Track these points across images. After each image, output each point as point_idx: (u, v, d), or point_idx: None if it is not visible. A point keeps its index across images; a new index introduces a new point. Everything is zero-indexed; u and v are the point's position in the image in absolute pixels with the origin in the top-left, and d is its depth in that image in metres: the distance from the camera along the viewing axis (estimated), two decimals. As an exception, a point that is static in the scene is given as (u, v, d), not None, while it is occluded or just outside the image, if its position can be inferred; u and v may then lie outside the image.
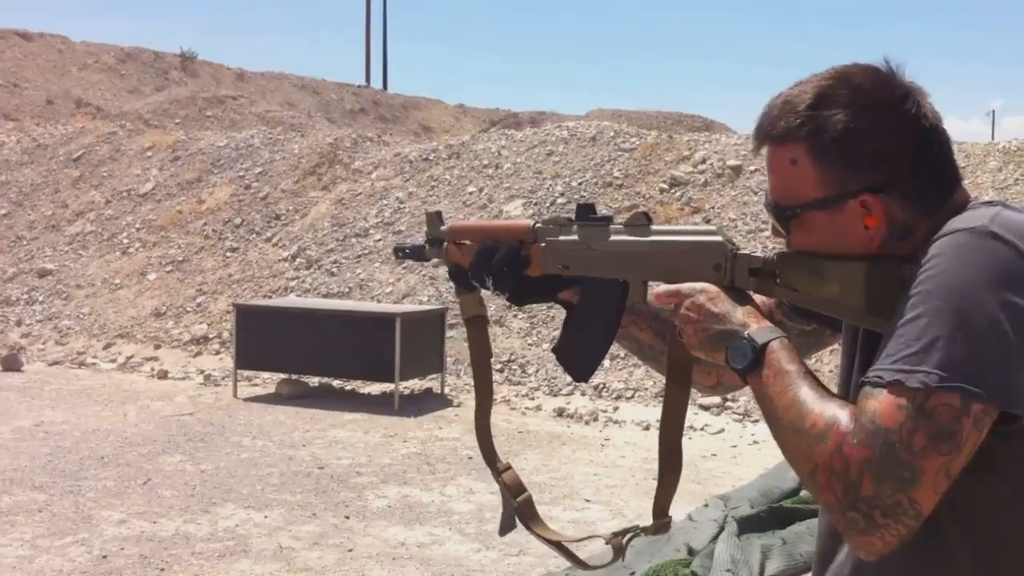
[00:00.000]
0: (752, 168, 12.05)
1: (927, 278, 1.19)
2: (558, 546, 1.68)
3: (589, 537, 1.74)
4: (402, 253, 1.80)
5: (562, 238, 1.55)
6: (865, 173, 1.30)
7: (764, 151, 1.40)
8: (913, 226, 1.31)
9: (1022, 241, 1.19)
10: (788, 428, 1.22)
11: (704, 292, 1.38)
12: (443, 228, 1.69)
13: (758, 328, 1.32)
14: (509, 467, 1.71)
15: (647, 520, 1.59)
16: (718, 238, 1.45)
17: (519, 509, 1.67)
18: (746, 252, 1.42)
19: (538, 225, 1.59)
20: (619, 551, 1.59)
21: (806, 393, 1.22)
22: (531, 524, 1.67)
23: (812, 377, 1.26)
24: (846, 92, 1.32)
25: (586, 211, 1.55)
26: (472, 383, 9.92)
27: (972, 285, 1.16)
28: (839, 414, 1.19)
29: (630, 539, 1.60)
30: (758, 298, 1.49)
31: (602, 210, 1.56)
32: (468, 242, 1.65)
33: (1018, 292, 1.16)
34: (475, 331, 1.71)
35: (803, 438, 1.20)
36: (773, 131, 1.36)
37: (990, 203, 1.30)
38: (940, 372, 1.14)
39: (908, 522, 1.15)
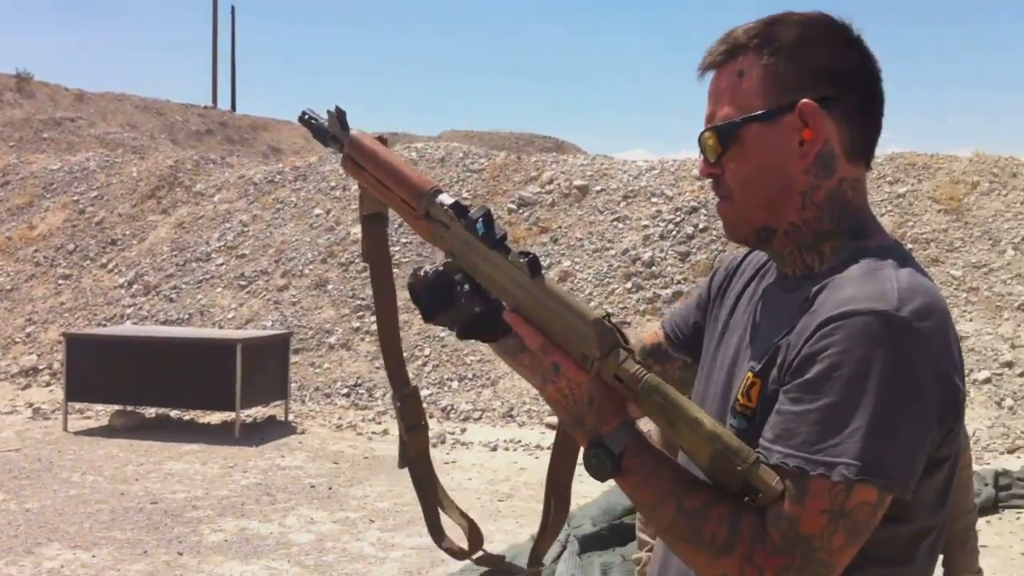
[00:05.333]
0: (598, 188, 12.22)
1: (840, 358, 1.15)
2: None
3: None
4: (309, 123, 1.55)
5: (454, 230, 1.34)
6: (810, 85, 1.29)
7: (707, 80, 1.36)
8: (836, 164, 1.30)
9: (932, 323, 1.17)
10: (682, 539, 1.18)
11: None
12: (347, 134, 1.48)
13: (610, 430, 1.22)
14: (416, 391, 1.56)
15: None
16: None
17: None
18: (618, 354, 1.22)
19: (434, 202, 1.37)
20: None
21: (689, 499, 1.18)
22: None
23: (680, 470, 1.21)
24: (798, 15, 1.33)
25: (463, 210, 1.33)
26: (315, 408, 9.82)
27: (889, 377, 1.13)
28: (738, 521, 1.15)
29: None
30: (650, 330, 1.57)
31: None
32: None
33: (932, 382, 1.15)
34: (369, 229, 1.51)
35: (703, 549, 1.16)
36: (719, 53, 1.34)
37: (886, 248, 1.28)
38: (857, 463, 1.12)
39: None
